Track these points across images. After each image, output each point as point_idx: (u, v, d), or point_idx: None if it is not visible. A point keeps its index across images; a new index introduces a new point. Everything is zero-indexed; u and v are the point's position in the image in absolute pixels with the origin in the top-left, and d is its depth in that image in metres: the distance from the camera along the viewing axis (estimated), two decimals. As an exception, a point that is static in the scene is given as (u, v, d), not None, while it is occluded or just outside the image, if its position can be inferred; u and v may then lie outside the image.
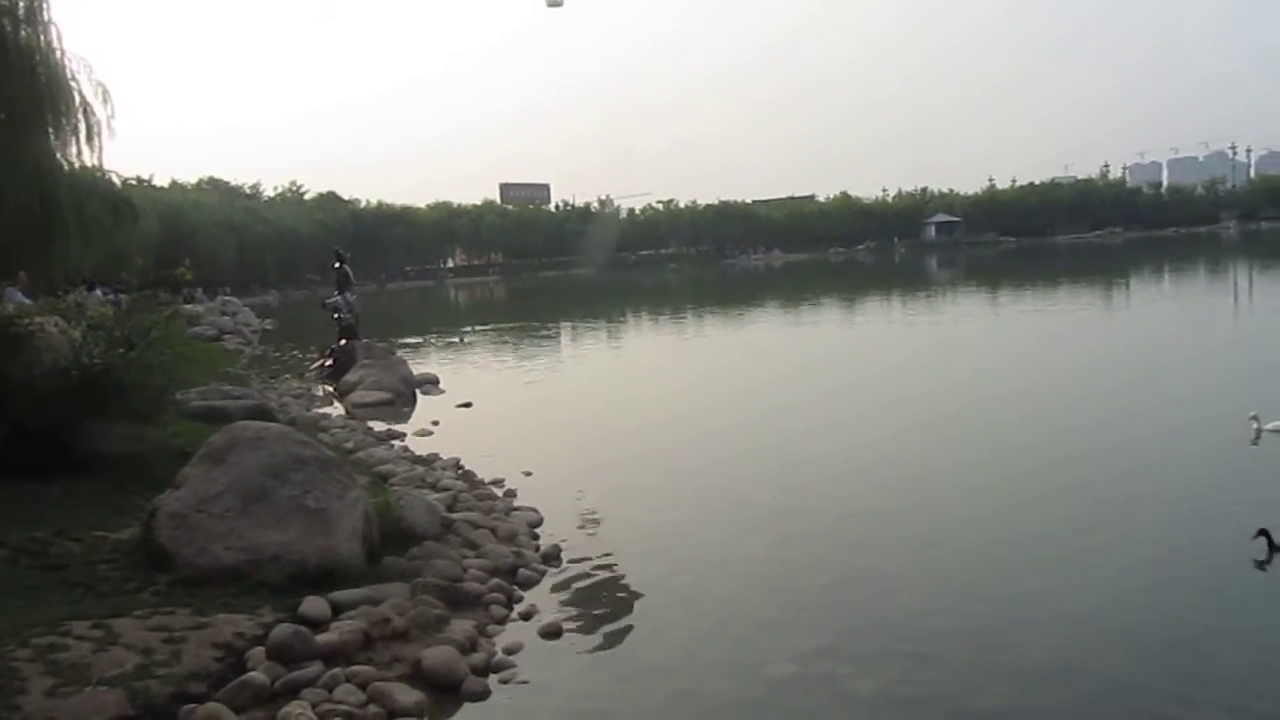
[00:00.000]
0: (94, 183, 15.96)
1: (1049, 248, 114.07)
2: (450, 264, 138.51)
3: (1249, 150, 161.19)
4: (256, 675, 6.64)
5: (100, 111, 14.88)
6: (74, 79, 14.47)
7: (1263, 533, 8.60)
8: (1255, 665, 6.86)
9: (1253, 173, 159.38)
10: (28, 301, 14.94)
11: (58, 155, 14.32)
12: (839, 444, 14.96)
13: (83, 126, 14.74)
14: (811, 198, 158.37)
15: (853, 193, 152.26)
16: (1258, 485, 11.00)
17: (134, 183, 73.65)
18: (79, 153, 14.78)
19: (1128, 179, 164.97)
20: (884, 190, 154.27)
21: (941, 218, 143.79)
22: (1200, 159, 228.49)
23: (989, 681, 6.87)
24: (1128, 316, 34.84)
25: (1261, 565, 8.52)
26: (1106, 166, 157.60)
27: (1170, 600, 8.02)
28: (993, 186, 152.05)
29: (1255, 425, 12.46)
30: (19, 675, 6.16)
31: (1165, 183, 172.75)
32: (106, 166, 16.57)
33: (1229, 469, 11.79)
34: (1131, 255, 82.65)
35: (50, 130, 14.14)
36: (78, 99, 14.58)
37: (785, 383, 22.15)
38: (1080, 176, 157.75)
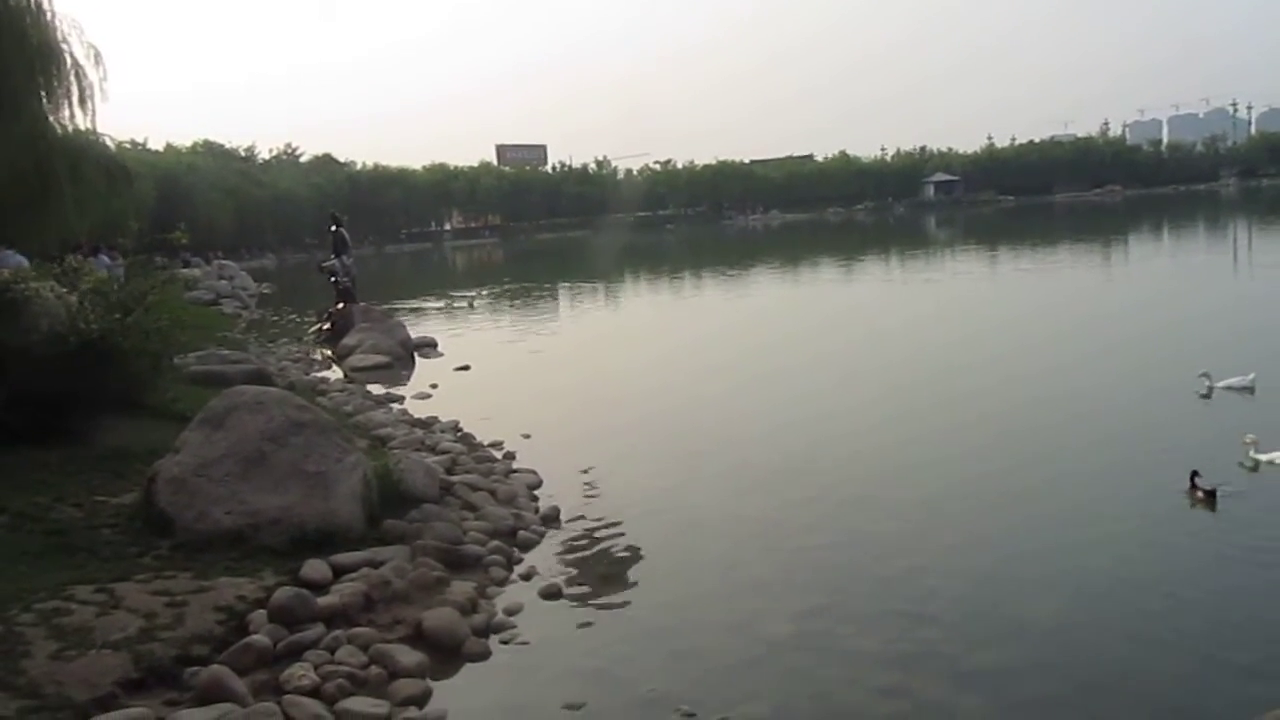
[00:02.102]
0: (88, 146, 15.87)
1: (1048, 206, 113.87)
2: (447, 226, 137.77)
3: (1249, 107, 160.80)
4: (259, 638, 6.70)
5: (92, 74, 14.78)
6: (65, 41, 14.35)
7: (1194, 475, 9.27)
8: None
9: (1253, 129, 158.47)
10: (25, 264, 14.83)
11: (50, 119, 14.22)
12: (836, 406, 15.02)
13: (75, 90, 14.64)
14: (810, 157, 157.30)
15: (851, 152, 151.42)
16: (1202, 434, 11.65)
17: (128, 146, 73.35)
18: (72, 116, 14.70)
19: (1128, 136, 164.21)
20: (882, 149, 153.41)
21: (940, 177, 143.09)
22: (1201, 116, 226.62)
23: (985, 638, 6.94)
24: (1119, 277, 34.91)
25: (1193, 505, 9.29)
26: (1106, 124, 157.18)
27: (1124, 545, 8.51)
28: (992, 145, 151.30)
29: (1206, 383, 13.19)
30: (23, 639, 6.22)
31: (1165, 140, 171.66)
32: (100, 130, 16.49)
33: (1184, 422, 12.56)
34: (1130, 214, 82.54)
35: (42, 94, 14.04)
36: (69, 61, 14.46)
37: (783, 345, 22.15)
38: (1080, 134, 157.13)
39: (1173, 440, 11.45)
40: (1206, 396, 13.18)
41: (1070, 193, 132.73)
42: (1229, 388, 13.06)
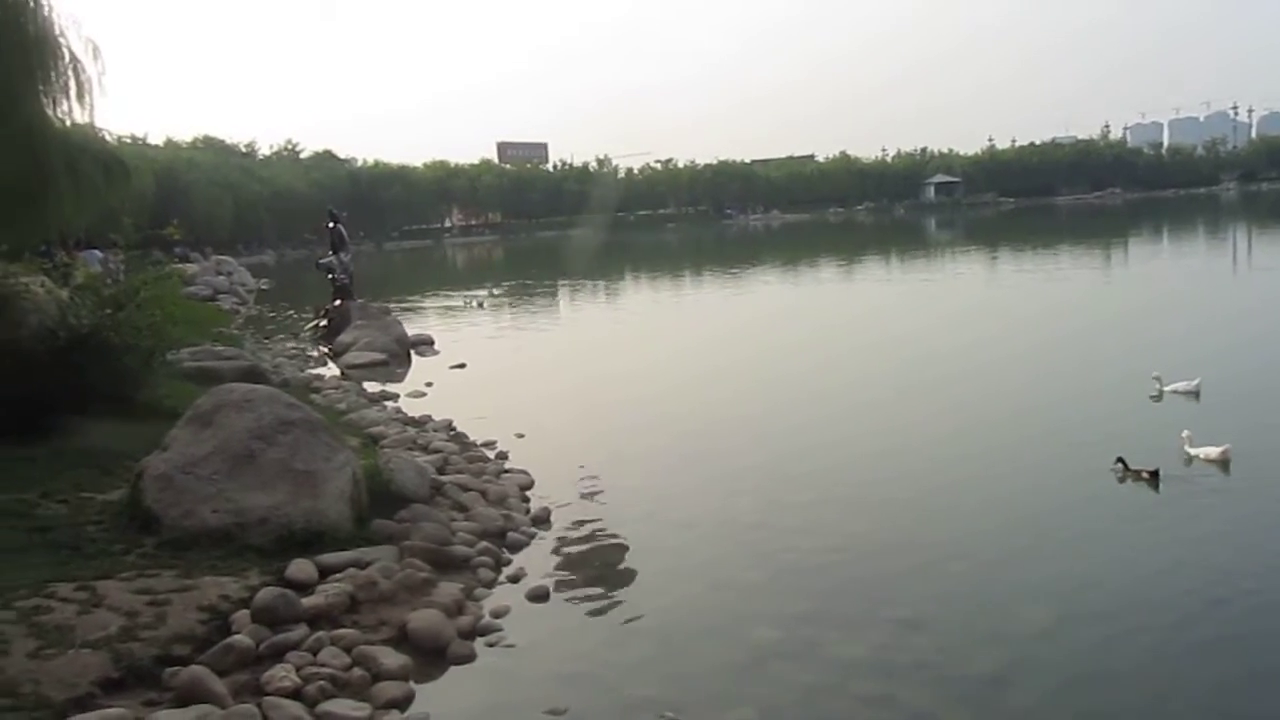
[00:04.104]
0: (86, 141, 15.77)
1: (1049, 208, 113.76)
2: (448, 224, 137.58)
3: (1250, 110, 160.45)
4: (241, 638, 6.64)
5: (91, 68, 14.65)
6: (63, 34, 14.23)
7: (1119, 460, 10.54)
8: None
9: (1254, 133, 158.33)
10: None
11: (48, 113, 14.15)
12: (831, 411, 14.98)
13: (73, 84, 14.52)
14: (811, 158, 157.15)
15: (852, 153, 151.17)
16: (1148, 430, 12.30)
17: (128, 141, 73.12)
18: (70, 111, 14.58)
19: (1128, 139, 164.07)
20: (883, 150, 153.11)
21: (941, 178, 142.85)
22: (1201, 119, 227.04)
23: (974, 647, 6.89)
24: (1111, 281, 35.04)
25: (1122, 480, 10.45)
26: (1107, 127, 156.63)
27: (1100, 545, 8.90)
28: (993, 147, 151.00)
29: (1158, 386, 14.02)
30: (2, 637, 6.16)
31: (1166, 143, 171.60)
32: (98, 124, 16.39)
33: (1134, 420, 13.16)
34: (1130, 216, 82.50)
35: (40, 88, 13.95)
36: (67, 55, 14.36)
37: (780, 350, 22.07)
38: (1081, 137, 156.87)
39: (1138, 439, 11.61)
40: (1157, 399, 13.92)
41: (1071, 195, 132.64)
42: (1176, 391, 13.92)
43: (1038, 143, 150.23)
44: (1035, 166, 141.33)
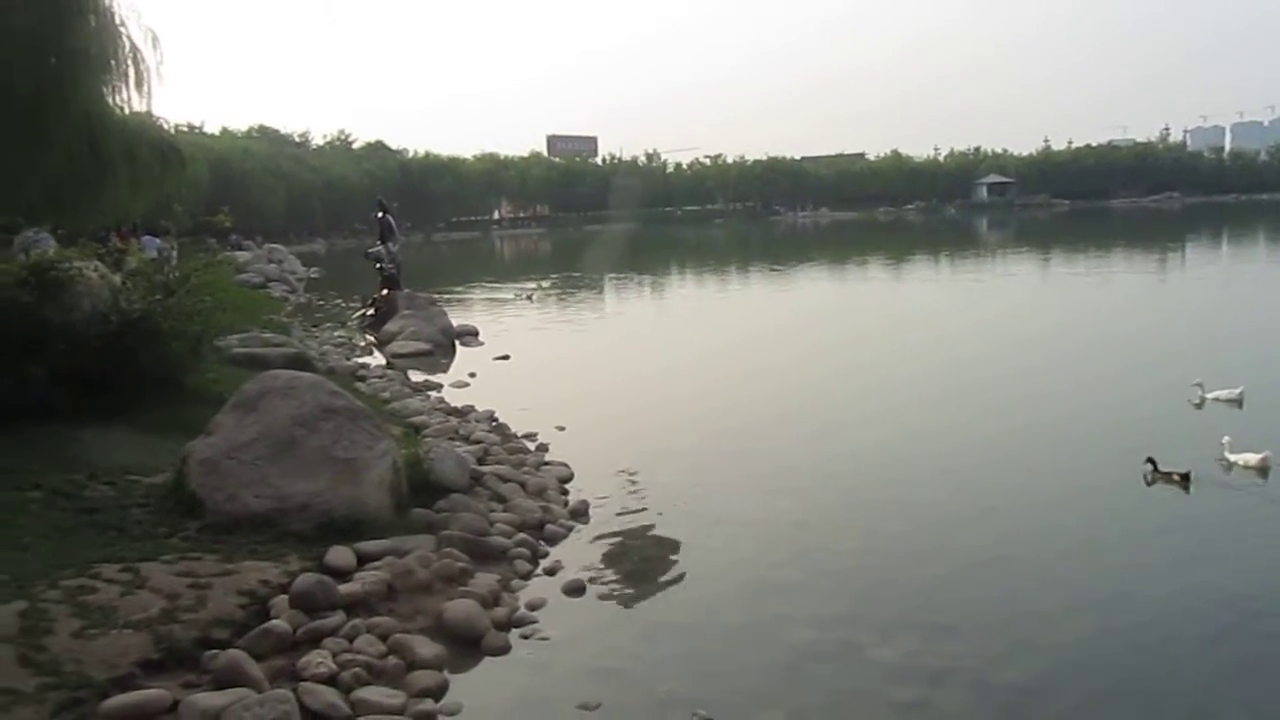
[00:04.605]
0: (143, 129, 16.00)
1: (1103, 211, 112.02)
2: (496, 216, 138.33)
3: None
4: (279, 623, 6.71)
5: (150, 57, 14.84)
6: (123, 24, 14.45)
7: (1149, 460, 10.71)
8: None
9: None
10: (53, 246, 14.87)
11: (108, 101, 14.39)
12: (871, 411, 14.85)
13: (132, 73, 14.73)
14: (861, 155, 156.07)
15: (903, 151, 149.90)
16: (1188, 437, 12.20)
17: (184, 129, 74.35)
18: (128, 99, 14.80)
19: (1189, 143, 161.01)
20: (935, 149, 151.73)
21: (994, 178, 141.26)
22: (1266, 124, 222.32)
23: (1010, 655, 6.80)
24: (1162, 287, 34.37)
25: (1151, 482, 10.59)
26: (1167, 129, 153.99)
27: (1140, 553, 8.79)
28: (1048, 148, 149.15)
29: (1200, 393, 14.04)
30: (47, 616, 6.27)
31: (1228, 147, 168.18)
32: (156, 113, 16.63)
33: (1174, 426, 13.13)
34: (1187, 221, 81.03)
35: (101, 76, 14.19)
36: (127, 44, 14.57)
37: (825, 349, 22.00)
38: (1139, 139, 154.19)
39: (1177, 446, 11.47)
40: (1199, 406, 13.89)
41: (1126, 198, 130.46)
42: (1218, 399, 13.93)
43: (1094, 145, 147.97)
44: (1091, 169, 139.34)
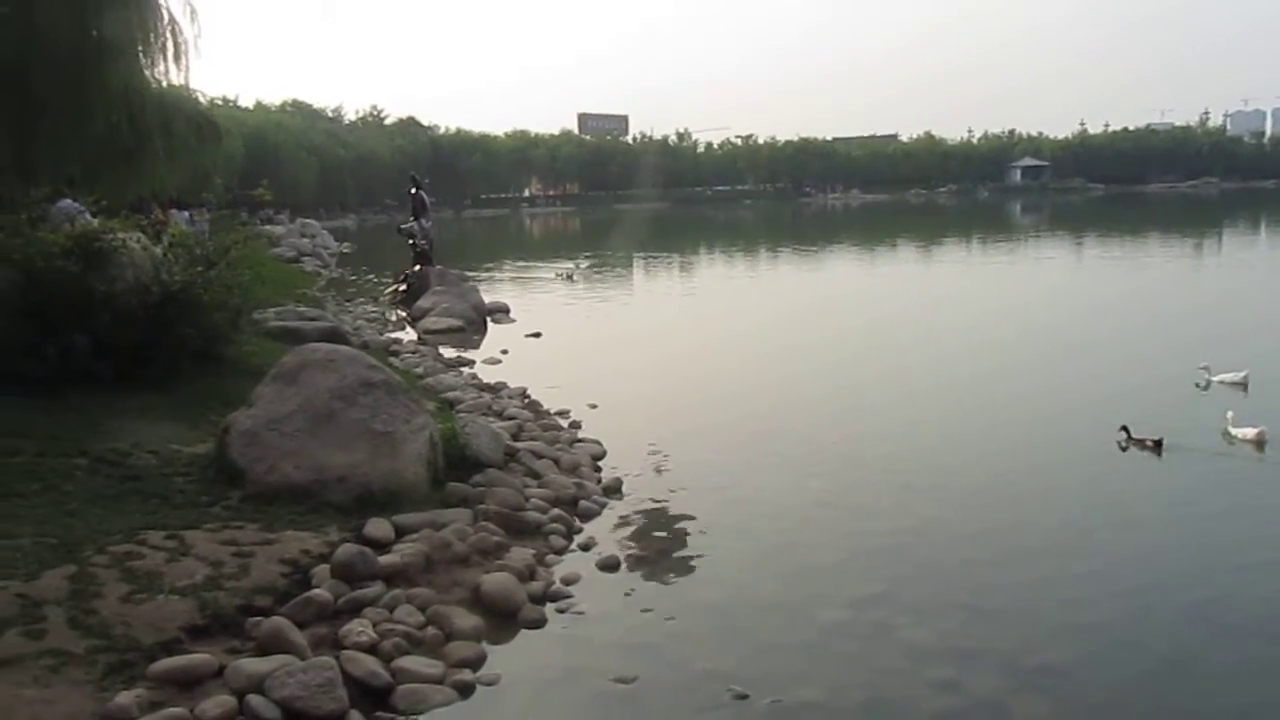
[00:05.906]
0: (180, 102, 16.12)
1: (1138, 196, 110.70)
2: (526, 193, 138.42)
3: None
4: (320, 592, 6.81)
5: (188, 30, 14.94)
6: (162, -2, 14.57)
7: (1123, 429, 11.53)
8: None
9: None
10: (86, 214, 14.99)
11: (146, 74, 14.50)
12: (902, 393, 14.87)
13: (170, 45, 14.84)
14: (894, 137, 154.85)
15: (936, 133, 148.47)
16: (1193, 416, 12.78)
17: (219, 103, 74.57)
18: (166, 72, 14.90)
19: (1229, 126, 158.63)
20: (969, 131, 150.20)
21: (1028, 161, 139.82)
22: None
23: (1044, 636, 6.81)
24: (1193, 270, 34.29)
25: (1125, 448, 11.41)
26: (1206, 113, 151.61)
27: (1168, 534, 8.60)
28: (1084, 131, 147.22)
29: (1206, 376, 14.53)
30: (96, 580, 6.41)
31: (1269, 132, 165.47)
32: (193, 86, 16.73)
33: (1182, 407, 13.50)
34: (1223, 207, 79.96)
35: (139, 49, 14.30)
36: (166, 17, 14.69)
37: (854, 329, 21.99)
38: (1178, 124, 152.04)
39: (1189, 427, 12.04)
40: (1205, 389, 14.30)
41: (1163, 183, 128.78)
42: (1223, 382, 14.39)
43: (1131, 129, 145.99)
44: (1128, 153, 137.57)
